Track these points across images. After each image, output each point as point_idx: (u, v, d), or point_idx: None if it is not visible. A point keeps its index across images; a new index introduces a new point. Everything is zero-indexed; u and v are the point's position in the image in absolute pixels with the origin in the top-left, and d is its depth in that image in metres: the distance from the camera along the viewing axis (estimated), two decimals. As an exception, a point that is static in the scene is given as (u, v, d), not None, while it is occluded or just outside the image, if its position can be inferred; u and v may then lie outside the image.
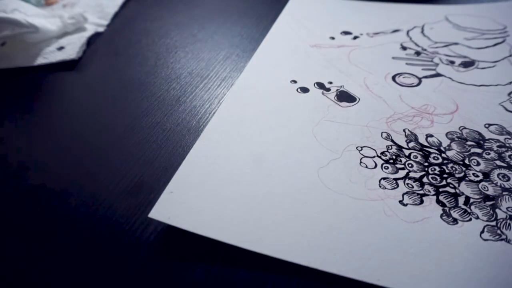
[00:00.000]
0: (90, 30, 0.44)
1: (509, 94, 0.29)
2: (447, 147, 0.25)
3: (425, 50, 0.35)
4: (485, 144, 0.25)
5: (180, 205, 0.24)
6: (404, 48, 0.35)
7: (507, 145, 0.25)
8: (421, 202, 0.22)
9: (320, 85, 0.32)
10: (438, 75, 0.31)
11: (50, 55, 0.40)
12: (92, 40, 0.43)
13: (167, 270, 0.22)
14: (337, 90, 0.31)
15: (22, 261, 0.23)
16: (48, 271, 0.22)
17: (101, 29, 0.44)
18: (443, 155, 0.25)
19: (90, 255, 0.23)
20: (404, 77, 0.32)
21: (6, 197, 0.27)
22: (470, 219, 0.21)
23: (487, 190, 0.23)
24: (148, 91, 0.35)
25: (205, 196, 0.24)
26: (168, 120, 0.31)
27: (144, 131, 0.31)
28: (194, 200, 0.24)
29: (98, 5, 0.48)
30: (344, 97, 0.30)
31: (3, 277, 0.22)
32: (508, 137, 0.25)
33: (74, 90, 0.37)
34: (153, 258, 0.22)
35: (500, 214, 0.21)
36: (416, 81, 0.31)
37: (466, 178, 0.23)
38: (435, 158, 0.25)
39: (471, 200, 0.22)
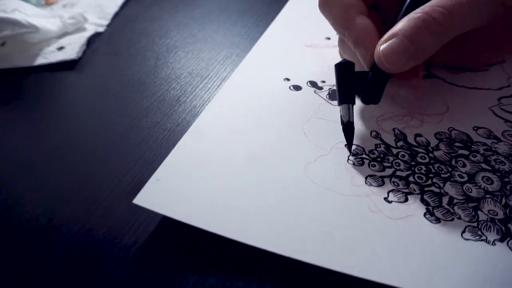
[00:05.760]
0: (90, 30, 0.45)
1: (499, 99, 0.30)
2: (435, 147, 0.27)
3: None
4: (473, 146, 0.27)
5: (165, 193, 0.25)
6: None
7: (493, 149, 0.27)
8: (406, 200, 0.24)
9: (313, 84, 0.33)
10: (431, 75, 0.33)
11: (50, 55, 0.42)
12: (92, 40, 0.44)
13: (167, 270, 0.23)
14: (329, 89, 0.33)
15: (20, 260, 0.24)
16: (47, 270, 0.24)
17: (101, 29, 0.46)
18: (430, 155, 0.27)
19: (90, 255, 0.24)
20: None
21: (5, 197, 0.28)
22: (453, 219, 0.23)
23: (471, 192, 0.24)
24: (148, 91, 0.36)
25: (191, 185, 0.26)
26: (168, 120, 0.33)
27: (144, 131, 0.32)
28: (180, 189, 0.26)
29: (98, 5, 0.50)
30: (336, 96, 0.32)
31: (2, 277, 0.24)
32: (495, 141, 0.27)
33: (74, 90, 0.38)
34: (153, 259, 0.23)
35: (482, 216, 0.23)
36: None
37: (452, 179, 0.25)
38: (422, 157, 0.27)
39: (455, 201, 0.24)
